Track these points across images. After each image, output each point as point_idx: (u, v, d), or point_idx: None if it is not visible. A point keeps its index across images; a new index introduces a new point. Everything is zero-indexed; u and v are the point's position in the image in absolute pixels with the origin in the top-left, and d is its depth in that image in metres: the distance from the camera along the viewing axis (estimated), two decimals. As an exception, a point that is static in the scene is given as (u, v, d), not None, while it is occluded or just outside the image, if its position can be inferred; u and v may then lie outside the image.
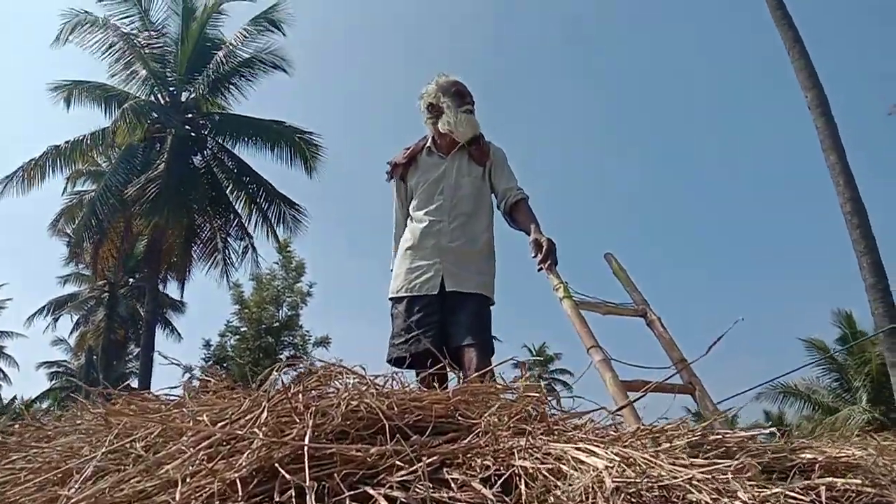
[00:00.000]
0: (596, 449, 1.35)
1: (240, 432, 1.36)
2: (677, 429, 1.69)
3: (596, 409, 1.78)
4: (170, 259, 19.19)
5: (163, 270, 19.17)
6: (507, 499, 1.26)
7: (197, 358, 23.33)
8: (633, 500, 1.21)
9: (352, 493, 1.22)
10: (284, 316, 24.29)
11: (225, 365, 23.34)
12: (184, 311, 29.91)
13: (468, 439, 1.46)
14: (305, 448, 1.28)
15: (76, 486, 1.25)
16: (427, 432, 1.46)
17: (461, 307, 2.95)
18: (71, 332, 32.70)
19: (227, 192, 19.59)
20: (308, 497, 1.18)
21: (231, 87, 19.36)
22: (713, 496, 1.26)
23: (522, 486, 1.28)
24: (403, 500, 1.20)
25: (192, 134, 19.53)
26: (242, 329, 23.86)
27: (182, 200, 17.92)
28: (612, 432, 1.66)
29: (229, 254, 19.73)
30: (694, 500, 1.24)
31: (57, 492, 1.28)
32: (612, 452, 1.32)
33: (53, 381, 35.70)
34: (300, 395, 1.48)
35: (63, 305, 30.97)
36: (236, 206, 19.60)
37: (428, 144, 3.30)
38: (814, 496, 1.44)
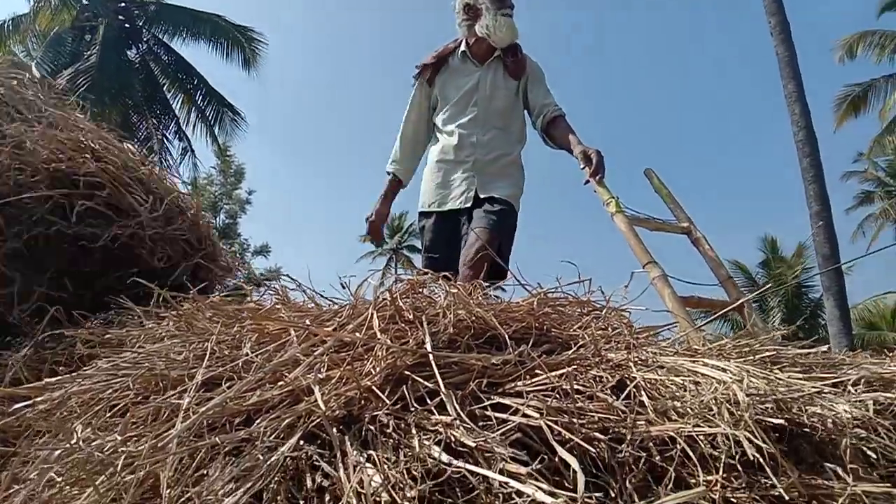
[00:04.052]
0: (711, 361, 1.36)
1: (352, 336, 1.30)
2: (745, 345, 1.74)
3: (670, 325, 1.80)
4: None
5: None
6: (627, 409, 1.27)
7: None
8: (760, 412, 1.23)
9: (490, 402, 1.20)
10: (222, 223, 23.73)
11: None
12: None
13: (572, 351, 1.45)
14: (431, 356, 1.24)
15: (192, 395, 1.18)
16: (530, 343, 1.44)
17: (485, 207, 2.91)
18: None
19: (164, 89, 18.53)
20: (449, 405, 1.16)
21: (166, -25, 18.02)
22: (827, 408, 1.32)
23: (645, 398, 1.28)
24: (537, 409, 1.19)
25: (126, 25, 18.18)
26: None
27: (116, 96, 16.86)
28: (695, 347, 1.69)
29: (166, 155, 18.87)
30: (813, 412, 1.28)
31: (168, 400, 1.20)
32: (729, 365, 1.34)
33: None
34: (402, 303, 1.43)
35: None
36: (173, 105, 18.62)
37: (462, 49, 3.13)
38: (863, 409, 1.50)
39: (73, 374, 1.40)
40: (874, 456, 1.32)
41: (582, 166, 2.74)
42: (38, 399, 1.27)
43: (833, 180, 26.35)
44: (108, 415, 1.27)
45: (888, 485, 1.18)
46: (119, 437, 1.13)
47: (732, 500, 1.15)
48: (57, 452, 1.16)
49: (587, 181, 2.69)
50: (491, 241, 2.70)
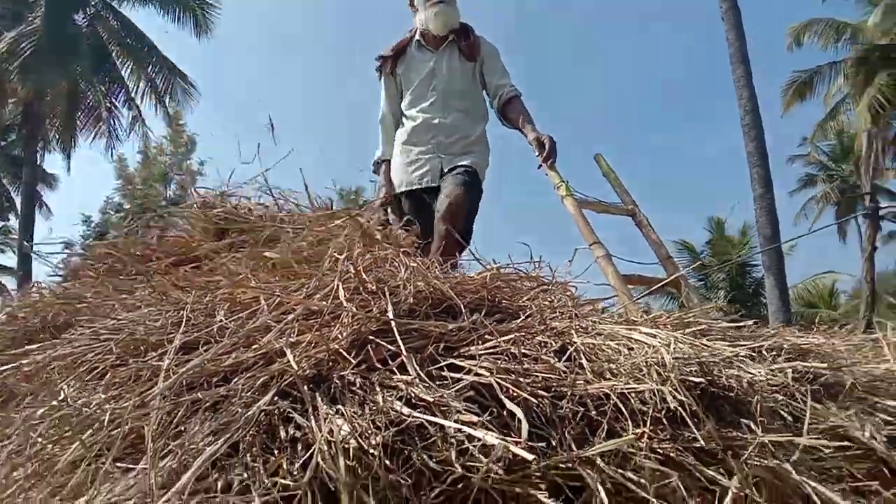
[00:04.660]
0: (644, 329, 1.52)
1: (319, 305, 1.42)
2: (680, 318, 1.91)
3: (609, 297, 1.96)
4: (47, 127, 17.67)
5: (41, 139, 17.65)
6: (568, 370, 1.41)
7: (73, 234, 22.08)
8: (685, 373, 1.39)
9: (446, 363, 1.33)
10: (173, 195, 23.24)
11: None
12: (55, 185, 27.66)
13: (519, 321, 1.59)
14: (393, 323, 1.36)
15: (171, 358, 1.27)
16: (482, 313, 1.58)
17: (453, 172, 3.05)
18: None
19: (113, 55, 18.01)
20: (409, 366, 1.28)
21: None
22: (744, 370, 1.49)
23: (584, 361, 1.43)
24: (488, 370, 1.32)
25: (72, -14, 17.55)
26: (126, 206, 22.75)
27: (62, 62, 16.30)
28: (633, 318, 1.85)
29: (115, 124, 18.41)
30: (732, 374, 1.45)
31: (149, 363, 1.30)
32: (660, 333, 1.50)
33: None
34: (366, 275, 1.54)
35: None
36: (123, 73, 18.13)
37: (416, 37, 3.28)
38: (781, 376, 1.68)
39: (55, 339, 1.48)
40: (789, 418, 1.50)
41: (536, 152, 2.90)
42: (24, 362, 1.35)
43: (780, 163, 27.18)
44: (90, 377, 1.36)
45: (790, 434, 1.36)
46: (103, 396, 1.23)
47: (659, 449, 1.31)
48: (41, 410, 1.25)
49: (540, 166, 2.85)
50: (462, 196, 2.87)
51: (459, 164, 3.07)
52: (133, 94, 18.10)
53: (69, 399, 1.22)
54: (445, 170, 3.09)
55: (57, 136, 17.83)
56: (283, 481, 1.03)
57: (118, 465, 1.15)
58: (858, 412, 1.60)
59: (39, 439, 1.24)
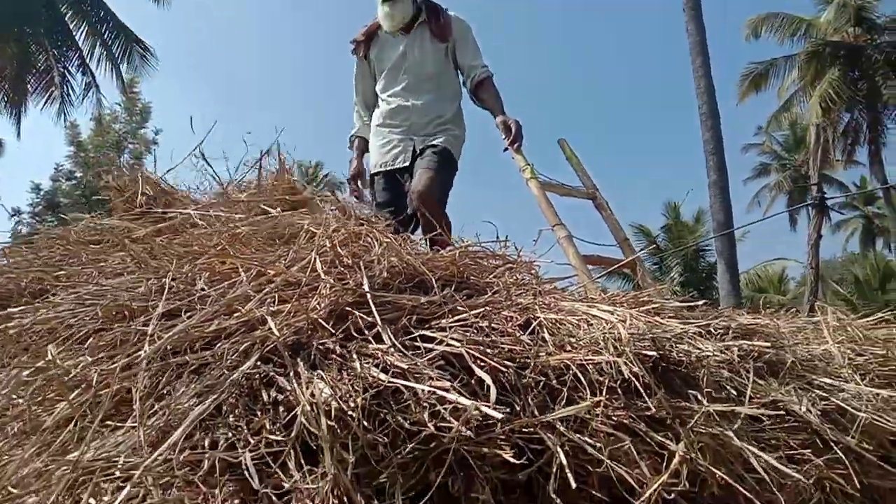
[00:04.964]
0: (602, 306, 1.62)
1: (298, 276, 1.48)
2: (636, 297, 2.02)
3: (570, 276, 2.07)
4: (-5, 90, 17.04)
5: (-11, 102, 17.01)
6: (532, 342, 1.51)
7: (20, 202, 21.39)
8: (639, 347, 1.50)
9: (419, 334, 1.41)
10: (127, 163, 22.66)
11: (57, 211, 21.67)
12: (2, 150, 26.68)
13: (487, 296, 1.68)
14: (369, 295, 1.44)
15: (156, 323, 1.32)
16: (452, 288, 1.66)
17: (424, 154, 3.12)
18: None
19: (67, 19, 17.41)
20: (385, 335, 1.36)
21: None
22: (693, 346, 1.61)
23: (546, 334, 1.53)
24: (458, 341, 1.41)
25: (23, -56, 16.84)
26: (78, 174, 22.13)
27: (13, 23, 15.71)
28: (591, 296, 1.95)
29: (68, 90, 17.83)
30: (682, 349, 1.57)
31: (134, 327, 1.35)
32: (617, 310, 1.60)
33: None
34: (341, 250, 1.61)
35: None
36: (77, 37, 17.55)
37: None
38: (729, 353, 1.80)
39: (38, 303, 1.51)
40: (733, 392, 1.62)
41: (503, 136, 2.99)
42: (9, 325, 1.38)
43: (735, 152, 27.78)
44: (74, 341, 1.40)
45: (732, 405, 1.48)
46: (90, 358, 1.27)
47: (613, 416, 1.41)
48: (27, 371, 1.29)
49: (506, 149, 2.94)
50: (430, 181, 2.95)
51: (431, 143, 3.13)
52: (87, 60, 17.56)
53: (56, 360, 1.26)
54: (419, 150, 3.15)
55: (6, 100, 17.21)
56: (269, 437, 1.10)
57: (106, 423, 1.21)
58: (796, 388, 1.74)
59: (21, 400, 1.28)
